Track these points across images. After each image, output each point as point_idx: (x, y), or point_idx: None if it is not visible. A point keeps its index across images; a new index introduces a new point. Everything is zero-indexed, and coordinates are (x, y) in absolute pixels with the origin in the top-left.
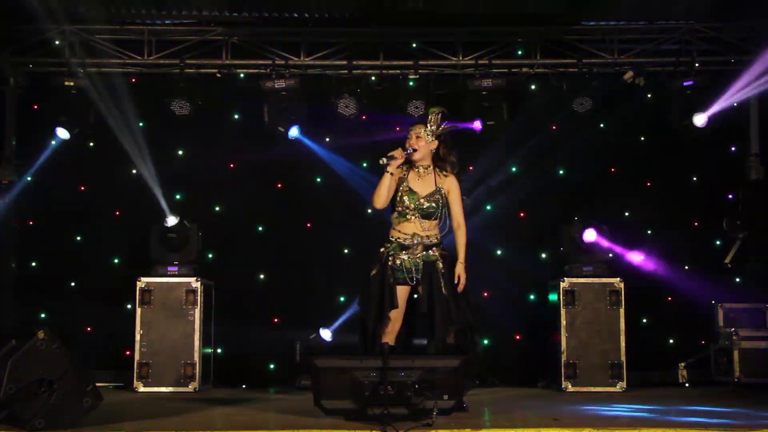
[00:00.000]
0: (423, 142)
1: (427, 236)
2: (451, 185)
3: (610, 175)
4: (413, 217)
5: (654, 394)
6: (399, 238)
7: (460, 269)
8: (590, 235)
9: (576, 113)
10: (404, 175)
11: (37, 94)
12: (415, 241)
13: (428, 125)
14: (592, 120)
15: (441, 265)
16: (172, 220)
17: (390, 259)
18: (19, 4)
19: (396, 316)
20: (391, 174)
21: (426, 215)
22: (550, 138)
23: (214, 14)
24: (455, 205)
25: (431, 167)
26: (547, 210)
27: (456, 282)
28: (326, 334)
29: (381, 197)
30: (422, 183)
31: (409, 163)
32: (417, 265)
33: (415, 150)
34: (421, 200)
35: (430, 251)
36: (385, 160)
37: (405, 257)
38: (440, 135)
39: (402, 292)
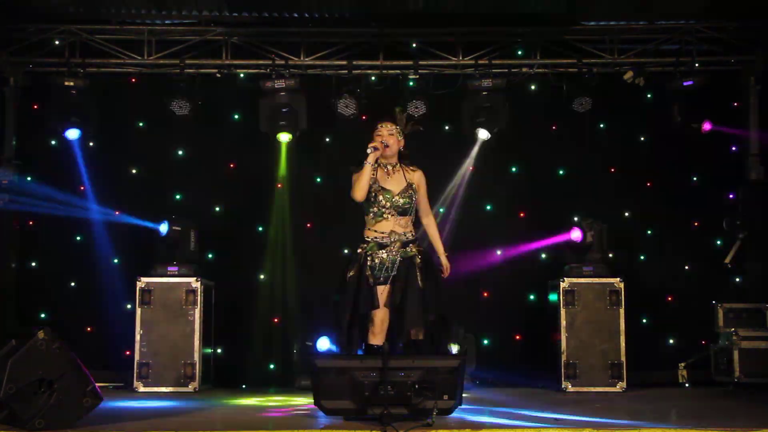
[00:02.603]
0: (394, 138)
1: (404, 233)
2: (420, 180)
3: (610, 175)
4: (390, 216)
5: (654, 394)
6: (376, 237)
7: (444, 260)
8: (576, 234)
9: (576, 113)
10: (374, 175)
11: (37, 94)
12: (393, 239)
13: (398, 123)
14: (592, 120)
15: (419, 260)
16: (164, 227)
17: (368, 259)
18: (19, 4)
19: (383, 317)
20: (370, 165)
21: (402, 212)
22: (550, 138)
23: (214, 14)
24: (424, 199)
25: (398, 164)
26: (547, 210)
27: (442, 273)
28: (323, 343)
29: (363, 189)
30: (393, 181)
31: (376, 162)
32: (394, 262)
33: (387, 145)
34: (396, 197)
35: (407, 248)
36: (371, 149)
37: (384, 255)
38: (407, 134)
39: (384, 290)
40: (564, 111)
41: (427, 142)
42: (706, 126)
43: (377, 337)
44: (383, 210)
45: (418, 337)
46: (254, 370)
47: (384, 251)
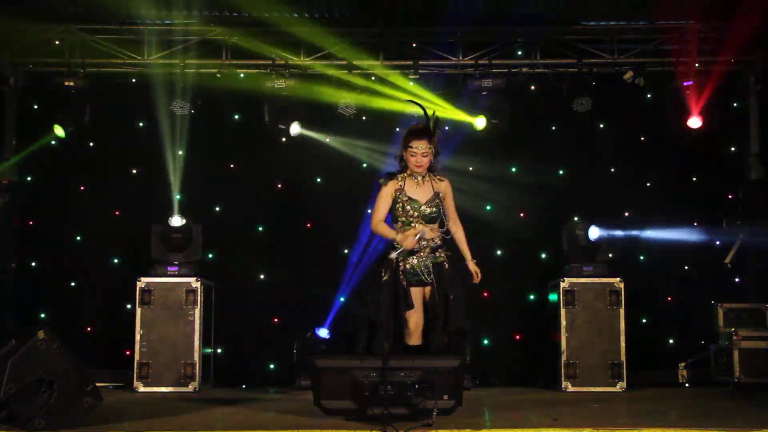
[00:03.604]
0: (428, 158)
1: (432, 239)
2: (446, 189)
3: (610, 175)
4: (418, 224)
5: (654, 394)
6: None
7: (473, 266)
8: (595, 233)
9: (576, 113)
10: (401, 185)
11: (37, 94)
12: (422, 245)
13: (431, 139)
14: (592, 120)
15: (447, 266)
16: (177, 220)
17: (401, 264)
18: (19, 4)
19: (417, 318)
20: (396, 240)
21: (429, 220)
22: (550, 138)
23: (214, 14)
24: (450, 208)
25: (427, 175)
26: (547, 210)
27: (473, 279)
28: (323, 332)
29: (378, 234)
30: (420, 190)
31: (406, 173)
32: (428, 267)
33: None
34: (423, 207)
35: (436, 253)
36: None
37: (414, 261)
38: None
39: (417, 293)
40: (564, 111)
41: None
42: (694, 122)
43: (413, 338)
44: (411, 219)
45: (443, 341)
46: (254, 370)
47: (414, 257)
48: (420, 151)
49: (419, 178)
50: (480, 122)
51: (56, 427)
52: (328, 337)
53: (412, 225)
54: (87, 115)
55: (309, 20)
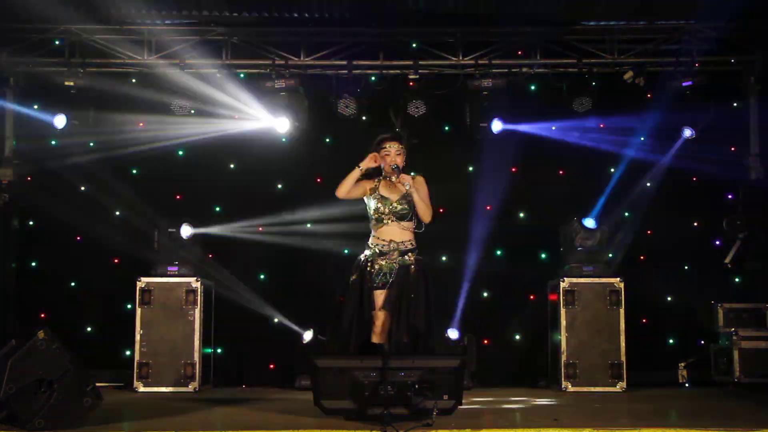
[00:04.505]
0: (402, 157)
1: (402, 242)
2: (418, 184)
3: (609, 175)
4: (390, 221)
5: (654, 394)
6: (377, 245)
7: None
8: (590, 222)
9: (576, 113)
10: (376, 185)
11: (37, 94)
12: (392, 247)
13: (404, 141)
14: (591, 120)
15: (413, 269)
16: (186, 230)
17: (368, 265)
18: (19, 4)
19: (383, 318)
20: (360, 169)
21: (400, 217)
22: (548, 139)
23: (214, 14)
24: (423, 200)
25: (400, 175)
26: (547, 210)
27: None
28: (308, 333)
29: (344, 187)
30: (393, 189)
31: (381, 176)
32: (392, 269)
33: (397, 167)
34: (394, 204)
35: (405, 256)
36: (374, 163)
37: (383, 263)
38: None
39: (381, 295)
40: (564, 111)
41: (427, 142)
42: (687, 132)
43: (378, 337)
44: (383, 216)
45: (404, 340)
46: (254, 370)
47: (383, 259)
48: (393, 149)
49: (393, 179)
50: (496, 125)
51: (56, 427)
52: (311, 339)
53: (385, 222)
54: (86, 114)
55: (309, 20)
